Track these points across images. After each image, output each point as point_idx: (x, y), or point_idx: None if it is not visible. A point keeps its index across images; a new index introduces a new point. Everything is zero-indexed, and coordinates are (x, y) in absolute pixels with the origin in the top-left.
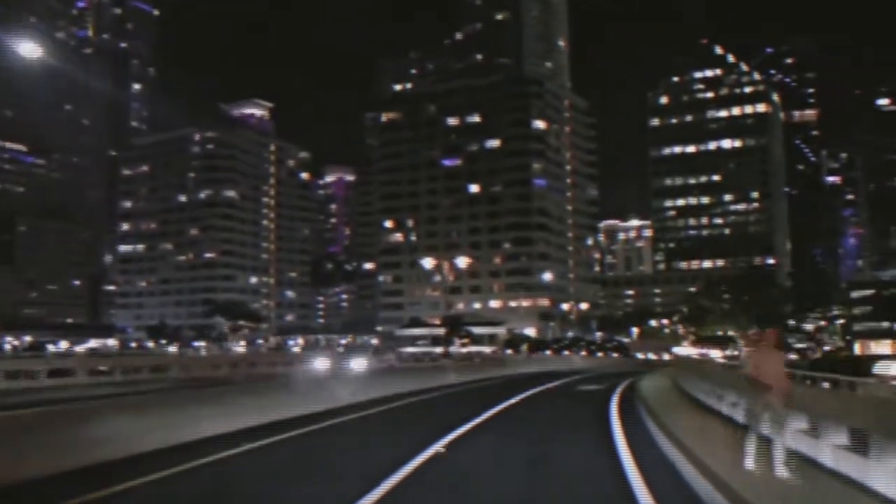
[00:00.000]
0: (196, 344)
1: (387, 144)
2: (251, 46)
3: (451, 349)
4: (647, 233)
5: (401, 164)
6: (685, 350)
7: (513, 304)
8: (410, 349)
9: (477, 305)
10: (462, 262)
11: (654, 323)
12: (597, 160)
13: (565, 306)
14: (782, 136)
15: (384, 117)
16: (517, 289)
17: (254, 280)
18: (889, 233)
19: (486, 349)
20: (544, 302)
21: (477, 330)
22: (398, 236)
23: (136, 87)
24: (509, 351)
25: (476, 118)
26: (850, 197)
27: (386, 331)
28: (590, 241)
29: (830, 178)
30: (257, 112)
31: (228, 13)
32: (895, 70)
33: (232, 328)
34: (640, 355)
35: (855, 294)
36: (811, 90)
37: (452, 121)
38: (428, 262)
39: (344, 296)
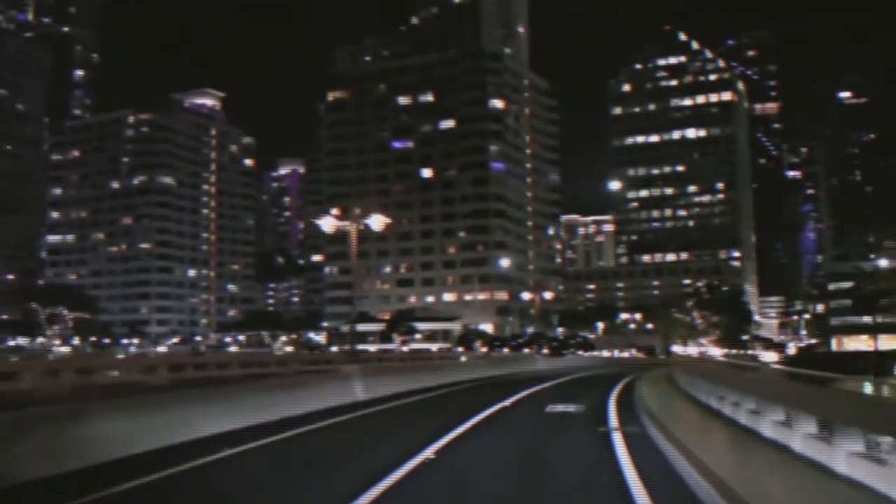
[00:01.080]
0: (124, 342)
1: (334, 126)
2: (205, 36)
3: (391, 346)
4: (608, 228)
5: (348, 148)
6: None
7: (468, 297)
8: None
9: (430, 299)
10: (377, 221)
11: (625, 316)
12: (559, 145)
13: (526, 296)
14: (747, 125)
15: (330, 97)
16: (473, 281)
17: (192, 273)
18: (850, 228)
19: (434, 346)
20: (502, 295)
21: (430, 326)
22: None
23: (79, 73)
24: (460, 349)
25: (429, 97)
26: (810, 192)
27: (332, 326)
28: (551, 231)
29: (791, 173)
30: (209, 102)
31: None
32: (857, 62)
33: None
34: (605, 353)
35: (832, 286)
36: (772, 83)
37: (404, 100)
38: (327, 223)
39: (295, 291)
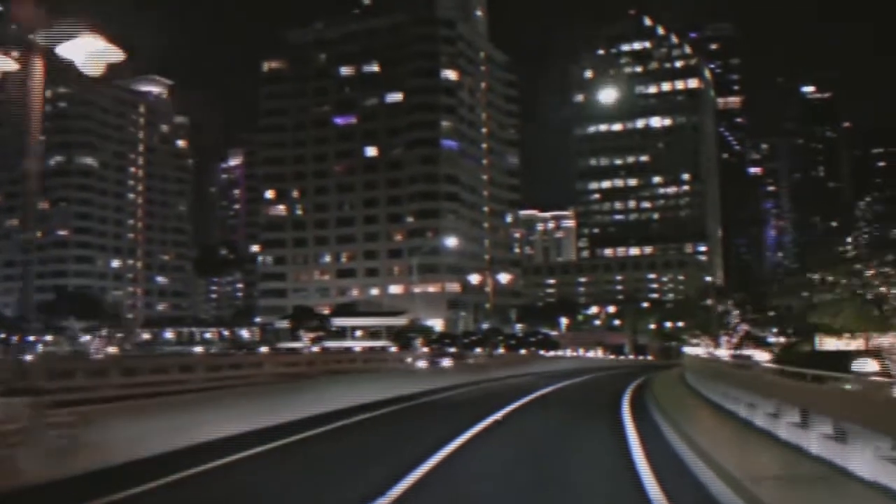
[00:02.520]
0: (30, 339)
1: (270, 99)
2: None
3: (299, 345)
4: (568, 223)
5: (285, 124)
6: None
7: (417, 289)
8: None
9: (374, 291)
10: None
11: (595, 309)
12: (519, 125)
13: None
14: (714, 114)
15: (266, 67)
16: (422, 271)
17: (116, 263)
18: (812, 224)
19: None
20: (454, 287)
21: (373, 321)
22: (281, 209)
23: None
24: (394, 349)
25: (374, 67)
26: (771, 188)
27: (265, 322)
28: (509, 219)
29: (752, 169)
30: (155, 90)
31: None
32: (821, 58)
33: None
34: (569, 351)
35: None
36: (735, 76)
37: (346, 71)
38: None
39: (240, 285)
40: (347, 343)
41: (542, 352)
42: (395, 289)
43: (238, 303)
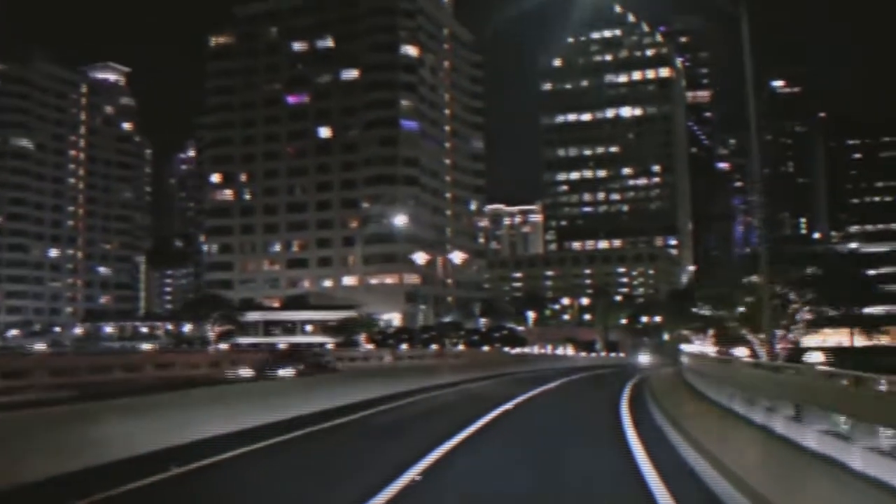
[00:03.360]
0: None
1: (217, 76)
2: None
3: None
4: (535, 218)
5: (233, 103)
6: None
7: (373, 281)
8: None
9: (328, 283)
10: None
11: (566, 301)
12: (484, 107)
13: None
14: (685, 105)
15: (213, 42)
16: (378, 261)
17: (54, 252)
18: (781, 220)
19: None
20: (413, 279)
21: (325, 315)
22: (228, 194)
23: None
24: (330, 345)
25: (328, 42)
26: (738, 184)
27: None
28: (473, 206)
29: (720, 165)
30: (112, 77)
31: None
32: (791, 53)
33: None
34: (536, 349)
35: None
36: (704, 70)
37: (299, 46)
38: None
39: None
40: (296, 339)
41: (506, 349)
42: (349, 280)
43: (191, 296)
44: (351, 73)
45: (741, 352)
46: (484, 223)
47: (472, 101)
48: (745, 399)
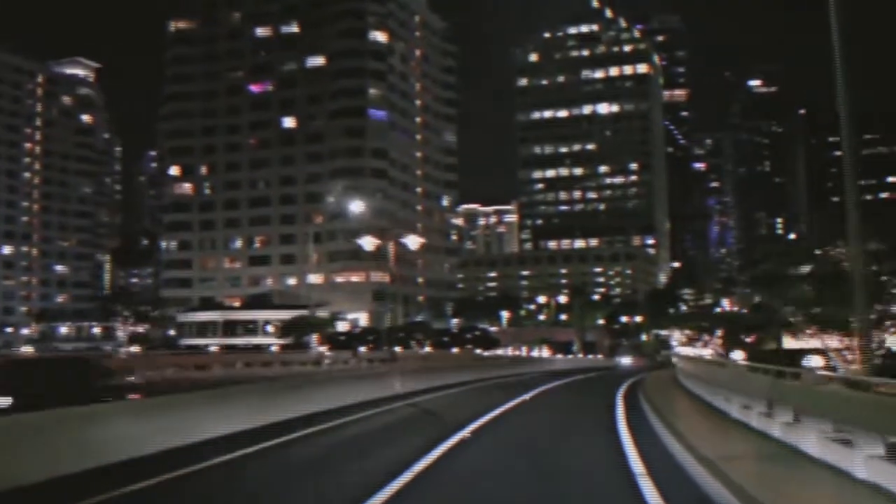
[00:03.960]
0: None
1: (176, 63)
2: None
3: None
4: (510, 218)
5: (193, 91)
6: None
7: (339, 279)
8: None
9: (292, 281)
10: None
11: (542, 299)
12: (457, 99)
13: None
14: (662, 102)
15: (172, 26)
16: (344, 258)
17: (8, 249)
18: (757, 220)
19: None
20: (383, 277)
21: (287, 315)
22: (187, 188)
23: None
24: (275, 348)
25: (293, 27)
26: (714, 184)
27: (168, 315)
28: (445, 202)
29: (696, 165)
30: (80, 72)
31: None
32: (767, 52)
33: None
34: (511, 350)
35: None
36: (681, 69)
37: (262, 31)
38: None
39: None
40: (256, 340)
41: (478, 350)
42: (314, 278)
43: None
44: (317, 61)
45: (738, 355)
46: (456, 220)
47: (444, 91)
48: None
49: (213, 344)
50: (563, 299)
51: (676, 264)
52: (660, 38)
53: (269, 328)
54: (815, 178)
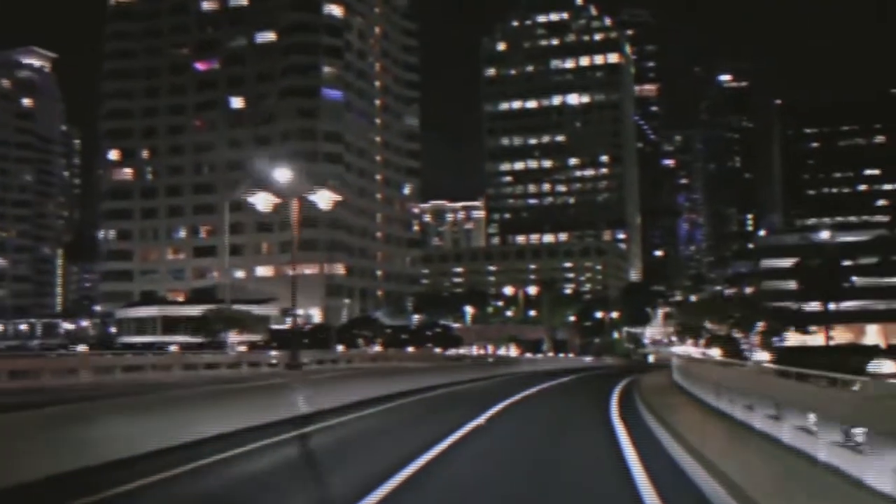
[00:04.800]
0: None
1: (116, 39)
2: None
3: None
4: (478, 214)
5: (134, 69)
6: None
7: (291, 271)
8: None
9: (240, 274)
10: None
11: (509, 290)
12: (420, 81)
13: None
14: (633, 93)
15: (113, 0)
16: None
17: None
18: (727, 216)
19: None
20: (337, 269)
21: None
22: (127, 173)
23: None
24: (174, 347)
25: (242, 0)
26: (684, 181)
27: (106, 312)
28: (407, 190)
29: (666, 161)
30: (36, 62)
31: None
32: (737, 47)
33: None
34: (475, 349)
35: (766, 263)
36: (652, 64)
37: (208, 5)
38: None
39: None
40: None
41: (438, 349)
42: (263, 270)
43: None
44: (267, 36)
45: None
46: (418, 209)
47: (405, 73)
48: None
49: (151, 343)
50: (532, 290)
51: (660, 253)
52: (629, 32)
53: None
54: (791, 169)
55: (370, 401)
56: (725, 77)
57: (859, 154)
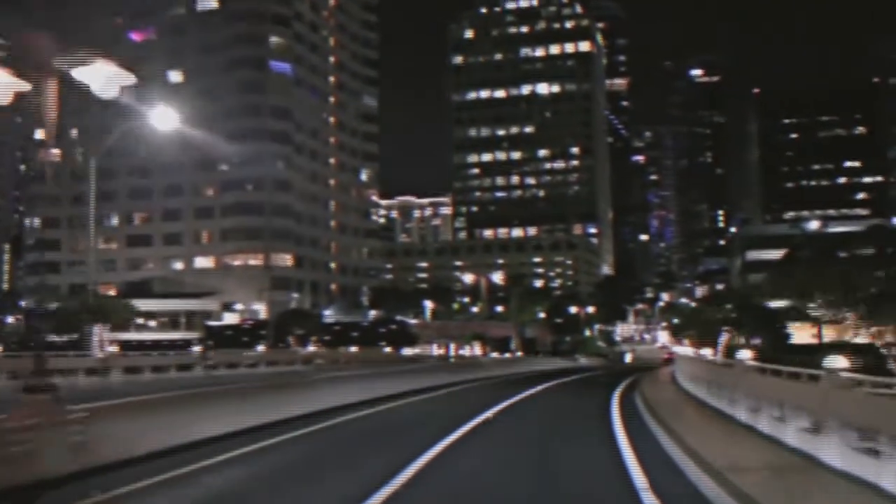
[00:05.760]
0: None
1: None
2: None
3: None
4: (445, 210)
5: (63, 39)
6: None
7: (235, 262)
8: None
9: (178, 266)
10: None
11: (469, 278)
12: (378, 59)
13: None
14: (605, 83)
15: None
16: (239, 238)
17: None
18: (698, 213)
19: None
20: (284, 260)
21: (171, 305)
22: (55, 154)
23: None
24: None
25: None
26: (654, 178)
27: (31, 307)
28: (364, 176)
29: (636, 157)
30: None
31: None
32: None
33: None
34: (436, 348)
35: (750, 256)
36: (622, 58)
37: None
38: None
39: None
40: (134, 336)
41: (388, 349)
42: (204, 261)
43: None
44: (209, 3)
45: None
46: (376, 196)
47: (364, 49)
48: None
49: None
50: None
51: (609, 259)
52: (600, 25)
53: (152, 322)
54: (769, 161)
55: (213, 439)
56: (697, 71)
57: (839, 145)
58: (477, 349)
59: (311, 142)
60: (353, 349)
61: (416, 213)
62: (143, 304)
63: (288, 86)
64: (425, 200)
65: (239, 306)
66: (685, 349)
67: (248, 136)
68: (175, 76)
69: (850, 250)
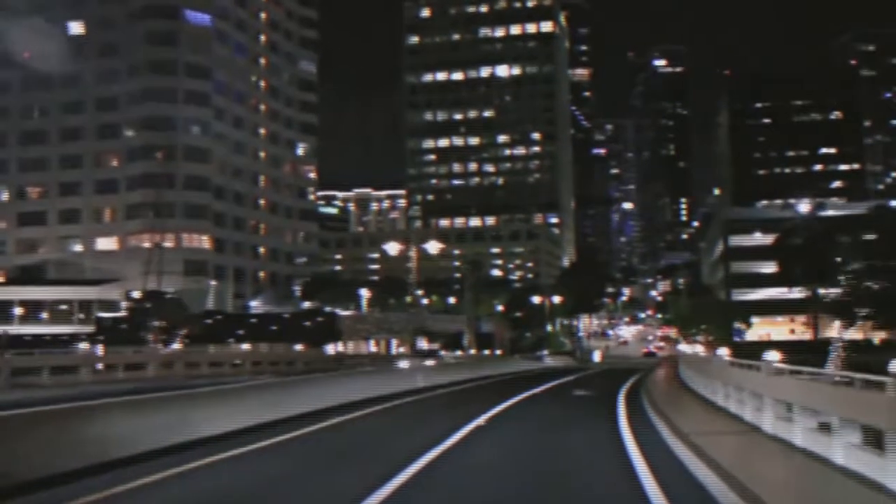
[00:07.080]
0: None
1: None
2: None
3: None
4: (403, 203)
5: None
6: None
7: (143, 244)
8: None
9: (78, 248)
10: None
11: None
12: (318, 20)
13: None
14: (567, 65)
15: None
16: (146, 215)
17: None
18: (660, 207)
19: None
20: (201, 242)
21: (68, 292)
22: None
23: None
24: None
25: None
26: (615, 171)
27: None
28: (301, 150)
29: (596, 150)
30: None
31: None
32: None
33: None
34: (372, 345)
35: (734, 241)
36: (584, 48)
37: None
38: None
39: None
40: (24, 328)
41: (298, 347)
42: (106, 242)
43: None
44: None
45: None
46: (313, 172)
47: (300, 7)
48: None
49: None
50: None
51: (571, 251)
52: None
53: (44, 314)
54: (739, 147)
55: None
56: (660, 62)
57: (813, 131)
58: (423, 345)
59: (236, 107)
60: (245, 346)
61: (374, 206)
62: (34, 293)
63: (206, 40)
64: (383, 193)
65: (137, 294)
66: (685, 347)
67: (158, 97)
68: (75, 27)
69: (853, 234)
